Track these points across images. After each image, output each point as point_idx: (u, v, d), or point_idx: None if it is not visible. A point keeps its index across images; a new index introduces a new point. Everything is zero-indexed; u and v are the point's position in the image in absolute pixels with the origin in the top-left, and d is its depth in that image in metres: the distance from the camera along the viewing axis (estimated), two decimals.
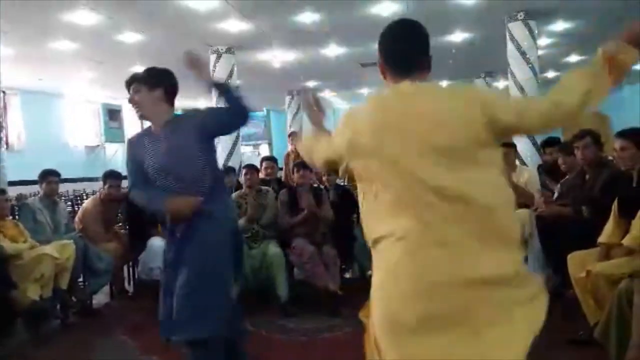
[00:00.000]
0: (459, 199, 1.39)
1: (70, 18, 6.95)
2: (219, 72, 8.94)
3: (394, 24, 1.76)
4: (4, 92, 10.09)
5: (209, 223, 2.25)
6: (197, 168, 2.31)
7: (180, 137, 2.31)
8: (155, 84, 2.38)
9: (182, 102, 16.55)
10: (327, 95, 15.84)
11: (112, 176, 5.04)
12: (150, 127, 2.44)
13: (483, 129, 1.42)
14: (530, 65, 7.96)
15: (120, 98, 13.94)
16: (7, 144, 10.71)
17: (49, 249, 4.01)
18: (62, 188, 7.31)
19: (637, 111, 14.56)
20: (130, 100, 2.44)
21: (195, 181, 2.31)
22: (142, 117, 2.47)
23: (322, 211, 4.47)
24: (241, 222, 4.37)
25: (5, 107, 10.44)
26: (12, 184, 10.15)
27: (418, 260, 1.41)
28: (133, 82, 2.44)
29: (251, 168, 4.74)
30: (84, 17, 6.95)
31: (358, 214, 5.31)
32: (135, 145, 2.47)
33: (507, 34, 8.06)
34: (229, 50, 8.89)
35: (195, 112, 2.53)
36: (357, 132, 1.59)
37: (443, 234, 1.39)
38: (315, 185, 4.95)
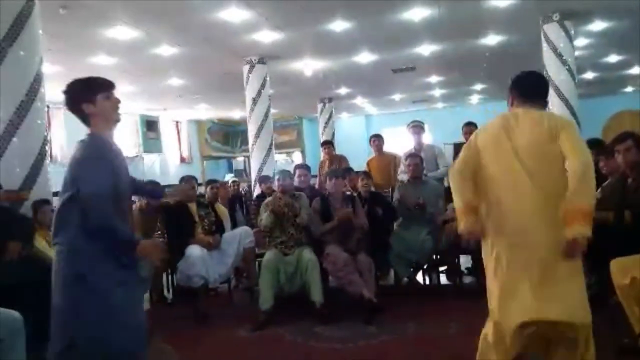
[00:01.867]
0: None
1: (109, 34, 7.19)
2: (252, 82, 9.07)
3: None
4: (48, 106, 10.48)
5: None
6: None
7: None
8: None
9: (218, 113, 16.76)
10: (358, 101, 15.85)
11: None
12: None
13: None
14: (567, 66, 7.78)
15: (158, 109, 14.30)
16: (51, 156, 11.12)
17: None
18: None
19: None
20: None
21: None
22: None
23: (357, 219, 4.47)
24: (265, 215, 4.42)
25: (49, 121, 10.84)
26: (55, 194, 10.52)
27: None
28: None
29: (284, 174, 4.80)
30: (123, 33, 7.18)
31: (393, 222, 5.32)
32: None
33: (542, 36, 7.91)
34: (261, 61, 9.01)
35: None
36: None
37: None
38: (349, 193, 4.96)
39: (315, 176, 7.11)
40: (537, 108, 2.45)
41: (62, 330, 2.28)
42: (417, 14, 7.29)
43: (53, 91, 10.28)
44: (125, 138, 13.90)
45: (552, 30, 7.80)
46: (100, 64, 8.61)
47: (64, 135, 11.63)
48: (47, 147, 4.51)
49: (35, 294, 3.44)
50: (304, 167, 5.60)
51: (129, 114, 13.94)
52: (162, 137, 15.47)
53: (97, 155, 2.30)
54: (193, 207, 4.96)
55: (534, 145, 2.31)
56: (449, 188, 5.35)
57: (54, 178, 4.73)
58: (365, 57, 9.77)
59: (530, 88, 2.53)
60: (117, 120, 2.49)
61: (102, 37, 7.32)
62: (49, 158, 4.60)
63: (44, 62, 4.64)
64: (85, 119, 2.40)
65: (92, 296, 2.23)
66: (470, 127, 6.10)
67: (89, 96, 2.39)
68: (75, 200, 2.24)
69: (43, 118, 4.53)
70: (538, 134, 2.31)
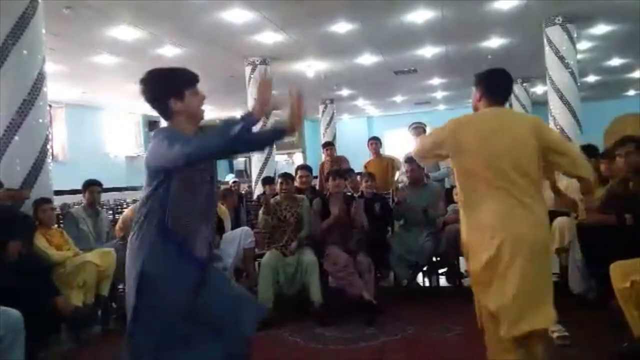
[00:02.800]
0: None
1: (112, 33, 7.20)
2: (255, 83, 9.07)
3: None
4: (50, 105, 10.51)
5: None
6: None
7: None
8: None
9: (220, 114, 16.85)
10: (360, 103, 15.85)
11: None
12: None
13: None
14: (569, 70, 7.78)
15: None
16: (52, 155, 11.15)
17: (91, 256, 4.15)
18: (104, 197, 7.53)
19: None
20: None
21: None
22: None
23: (356, 219, 4.47)
24: (261, 216, 4.42)
25: (51, 120, 10.87)
26: (56, 193, 10.56)
27: None
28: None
29: (286, 177, 4.79)
30: (126, 33, 7.19)
31: (392, 223, 5.32)
32: None
33: (545, 39, 7.91)
34: (263, 62, 9.02)
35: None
36: (462, 135, 2.39)
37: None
38: (349, 193, 4.96)
39: (316, 177, 7.11)
40: (503, 106, 2.53)
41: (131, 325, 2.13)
42: (420, 16, 7.29)
43: (55, 90, 10.36)
44: (126, 138, 13.93)
45: (554, 33, 7.80)
46: (103, 64, 8.63)
47: (66, 134, 11.66)
48: (48, 146, 4.52)
49: (35, 293, 3.46)
50: (305, 167, 5.60)
51: (130, 113, 13.97)
52: None
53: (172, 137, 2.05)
54: None
55: (517, 144, 2.30)
56: (449, 189, 5.39)
57: (56, 177, 4.76)
58: (367, 59, 9.77)
59: (502, 87, 2.56)
60: (202, 118, 2.27)
61: (105, 37, 7.34)
62: (51, 157, 4.59)
63: (46, 61, 4.65)
64: (167, 114, 2.18)
65: (166, 295, 2.08)
66: None
67: (177, 91, 2.16)
68: (158, 196, 2.07)
69: (45, 117, 4.54)
70: (521, 133, 2.32)
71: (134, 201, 6.43)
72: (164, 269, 2.07)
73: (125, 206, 8.17)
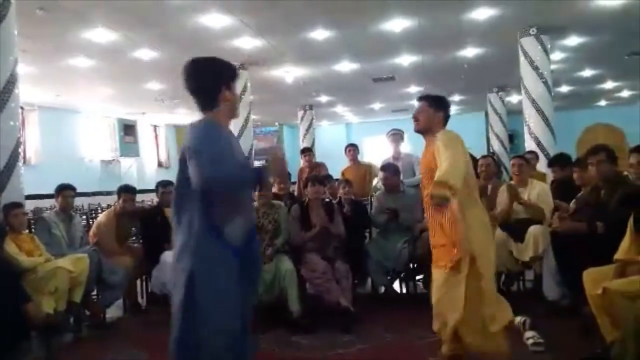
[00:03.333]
0: None
1: (87, 36, 7.10)
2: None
3: None
4: (22, 108, 10.30)
5: None
6: None
7: None
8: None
9: (196, 118, 16.75)
10: (339, 110, 15.91)
11: (126, 190, 5.09)
12: None
13: None
14: (543, 79, 7.95)
15: (135, 113, 14.14)
16: (24, 158, 10.90)
17: (64, 262, 4.06)
18: (78, 202, 7.39)
19: None
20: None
21: None
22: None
23: (334, 226, 4.47)
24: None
25: (23, 123, 10.64)
26: (28, 197, 10.32)
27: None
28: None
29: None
30: (102, 35, 7.10)
31: (370, 230, 5.33)
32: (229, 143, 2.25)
33: (520, 49, 8.07)
34: (242, 67, 8.99)
35: None
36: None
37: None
38: (328, 200, 4.96)
39: (294, 183, 7.09)
40: None
41: (184, 326, 2.11)
42: (397, 25, 7.37)
43: (28, 93, 10.16)
44: (101, 141, 13.71)
45: (529, 43, 7.97)
46: (77, 66, 8.49)
47: (39, 137, 11.43)
48: (20, 149, 4.42)
49: (5, 299, 3.36)
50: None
51: (106, 117, 13.76)
52: (140, 141, 15.30)
53: (210, 140, 2.06)
54: (169, 212, 4.89)
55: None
56: None
57: (28, 181, 4.65)
58: (346, 66, 9.83)
59: None
60: (237, 116, 2.31)
61: (80, 39, 7.23)
62: (22, 160, 4.50)
63: (19, 63, 4.55)
64: (212, 103, 2.14)
65: (214, 294, 2.06)
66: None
67: (228, 80, 2.16)
68: (201, 193, 2.04)
69: (17, 119, 4.44)
70: None
71: (109, 206, 6.31)
72: (216, 264, 2.07)
73: (99, 211, 8.03)
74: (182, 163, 2.09)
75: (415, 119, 2.94)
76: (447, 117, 2.95)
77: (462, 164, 2.67)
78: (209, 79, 2.13)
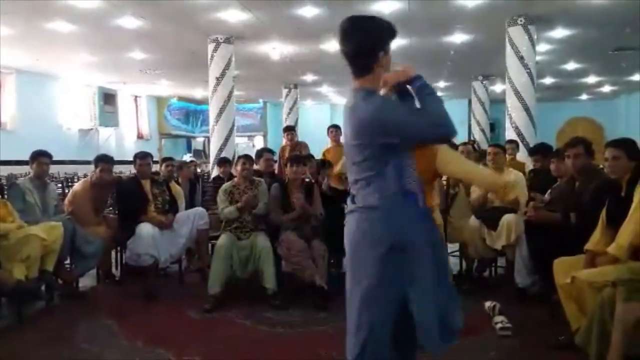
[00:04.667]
0: None
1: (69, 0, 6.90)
2: (217, 61, 8.91)
3: None
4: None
5: None
6: None
7: None
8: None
9: (179, 91, 16.37)
10: (324, 90, 15.83)
11: (104, 160, 5.01)
12: None
13: None
14: (528, 70, 8.00)
15: (117, 82, 13.87)
16: (0, 123, 10.66)
17: (37, 229, 3.99)
18: (54, 170, 7.27)
19: (632, 121, 14.71)
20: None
21: None
22: None
23: (313, 207, 4.47)
24: (231, 209, 4.37)
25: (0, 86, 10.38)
26: (3, 163, 10.14)
27: None
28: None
29: (248, 158, 4.72)
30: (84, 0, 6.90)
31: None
32: None
33: (507, 38, 8.09)
34: (227, 40, 8.85)
35: None
36: None
37: None
38: (307, 180, 4.95)
39: (276, 161, 7.07)
40: None
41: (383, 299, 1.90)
42: (386, 7, 7.31)
43: (6, 55, 9.87)
44: (80, 110, 13.46)
45: (516, 33, 7.99)
46: (58, 31, 8.26)
47: (15, 102, 11.16)
48: None
49: None
50: (270, 151, 5.53)
51: (86, 85, 13.49)
52: (120, 111, 15.05)
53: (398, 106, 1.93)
54: (147, 184, 4.85)
55: None
56: None
57: (3, 146, 4.54)
58: (333, 46, 9.75)
59: None
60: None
61: (62, 3, 7.02)
62: None
63: None
64: (367, 68, 1.93)
65: (413, 266, 1.88)
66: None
67: (385, 43, 1.95)
68: (393, 160, 1.87)
69: None
70: None
71: (85, 175, 6.22)
72: (415, 230, 1.89)
73: (76, 180, 7.90)
74: (363, 137, 1.89)
75: None
76: None
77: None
78: (368, 42, 1.92)
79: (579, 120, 17.43)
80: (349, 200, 2.04)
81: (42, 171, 4.62)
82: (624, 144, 3.09)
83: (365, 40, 1.92)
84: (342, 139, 6.68)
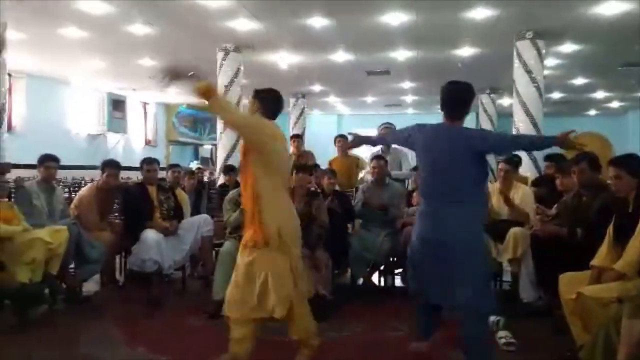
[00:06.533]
0: None
1: (81, 6, 6.97)
2: (226, 70, 8.96)
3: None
4: (10, 74, 10.12)
5: None
6: None
7: None
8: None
9: (188, 98, 16.41)
10: (331, 100, 15.87)
11: (110, 165, 5.04)
12: None
13: None
14: (535, 84, 7.98)
15: (126, 89, 13.96)
16: (9, 126, 10.73)
17: (42, 233, 4.01)
18: (62, 174, 7.31)
19: None
20: None
21: None
22: None
23: (317, 216, 4.47)
24: (236, 215, 4.33)
25: (10, 90, 10.46)
26: (12, 166, 10.17)
27: None
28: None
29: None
30: (95, 6, 6.97)
31: (354, 221, 5.34)
32: None
33: (515, 52, 8.09)
34: (236, 49, 8.91)
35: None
36: None
37: None
38: (313, 189, 4.95)
39: None
40: None
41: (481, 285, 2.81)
42: (395, 19, 7.34)
43: (17, 59, 9.92)
44: (89, 115, 13.54)
45: (524, 47, 7.99)
46: (69, 37, 8.35)
47: (25, 106, 11.25)
48: (4, 115, 4.34)
49: None
50: None
51: (96, 90, 13.58)
52: (128, 117, 15.13)
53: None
54: (153, 190, 4.87)
55: None
56: (410, 191, 5.45)
57: (12, 149, 4.57)
58: (341, 57, 9.79)
59: None
60: None
61: (73, 9, 7.10)
62: (7, 127, 4.42)
63: (8, 28, 4.46)
64: (463, 118, 2.96)
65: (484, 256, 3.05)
66: None
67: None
68: (484, 168, 2.94)
69: (3, 85, 4.36)
70: None
71: (92, 180, 6.24)
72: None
73: (83, 184, 7.94)
74: (471, 155, 2.82)
75: None
76: None
77: None
78: (470, 103, 2.96)
79: (586, 135, 17.36)
80: None
81: (49, 175, 4.65)
82: (624, 162, 3.06)
83: (470, 102, 2.99)
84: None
